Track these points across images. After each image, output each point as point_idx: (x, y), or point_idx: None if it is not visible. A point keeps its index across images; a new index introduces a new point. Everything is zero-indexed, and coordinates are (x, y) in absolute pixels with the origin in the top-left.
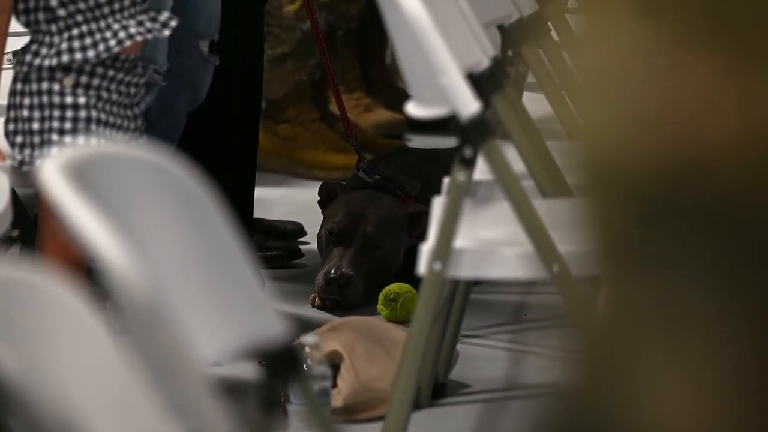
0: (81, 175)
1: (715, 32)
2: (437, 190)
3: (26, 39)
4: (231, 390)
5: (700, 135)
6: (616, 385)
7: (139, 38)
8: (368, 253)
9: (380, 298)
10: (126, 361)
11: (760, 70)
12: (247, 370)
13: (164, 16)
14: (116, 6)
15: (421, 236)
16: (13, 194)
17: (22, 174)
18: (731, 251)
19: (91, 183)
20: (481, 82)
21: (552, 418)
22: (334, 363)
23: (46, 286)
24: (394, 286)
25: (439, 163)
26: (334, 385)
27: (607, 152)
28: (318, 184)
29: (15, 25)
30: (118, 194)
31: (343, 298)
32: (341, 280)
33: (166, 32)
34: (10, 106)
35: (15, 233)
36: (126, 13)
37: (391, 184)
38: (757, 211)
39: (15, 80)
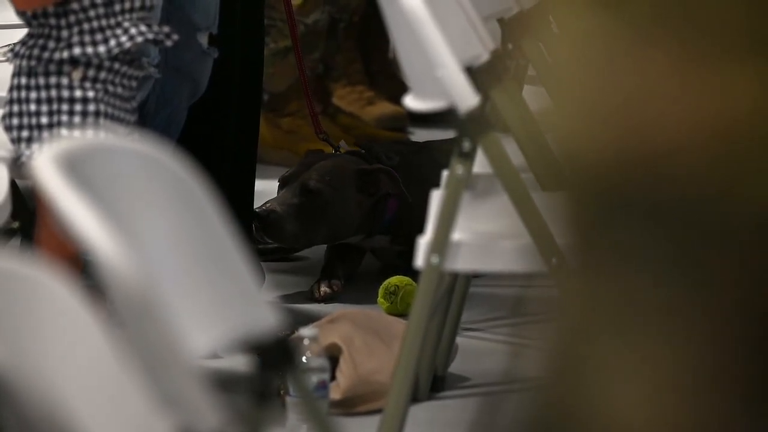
0: (74, 167)
1: (676, 26)
2: (418, 175)
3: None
4: (224, 382)
5: (659, 130)
6: (575, 380)
7: (150, 36)
8: (304, 196)
9: (380, 291)
10: (117, 354)
11: (720, 66)
12: (241, 363)
13: (166, 28)
14: (127, 5)
15: (374, 194)
16: (14, 186)
17: (24, 167)
18: (690, 246)
19: (84, 175)
20: (480, 76)
21: (518, 413)
22: (333, 356)
23: (37, 278)
24: (395, 279)
25: (428, 155)
26: (333, 377)
27: (568, 146)
28: None
29: (9, 18)
30: (111, 186)
31: (269, 236)
32: (263, 215)
33: (169, 43)
34: (13, 101)
35: (15, 225)
36: (135, 15)
37: (367, 153)
38: (716, 206)
39: (18, 74)
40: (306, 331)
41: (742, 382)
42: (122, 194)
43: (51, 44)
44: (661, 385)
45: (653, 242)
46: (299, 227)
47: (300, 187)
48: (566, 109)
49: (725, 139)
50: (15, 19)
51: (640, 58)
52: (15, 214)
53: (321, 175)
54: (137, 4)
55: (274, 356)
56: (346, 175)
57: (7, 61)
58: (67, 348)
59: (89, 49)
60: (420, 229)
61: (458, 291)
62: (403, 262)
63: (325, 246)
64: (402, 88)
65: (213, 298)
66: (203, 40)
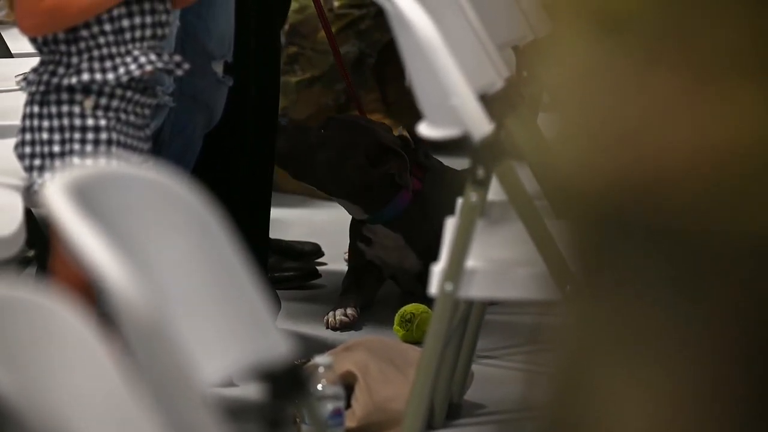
0: (85, 195)
1: (676, 52)
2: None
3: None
4: (236, 411)
5: (658, 154)
6: (579, 401)
7: (159, 65)
8: (313, 131)
9: (396, 318)
10: (128, 382)
11: (717, 89)
12: (254, 391)
13: (177, 57)
14: (137, 34)
15: (376, 165)
16: (29, 214)
17: (37, 195)
18: (688, 269)
19: (95, 203)
20: (494, 103)
21: None
22: (348, 383)
23: (49, 306)
24: (410, 307)
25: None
26: (348, 405)
27: (567, 170)
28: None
29: (26, 46)
30: (122, 215)
31: None
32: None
33: (180, 72)
34: (26, 129)
35: (31, 253)
36: (146, 44)
37: (412, 142)
38: (713, 229)
39: (31, 103)
40: (321, 359)
41: (741, 401)
42: (134, 223)
43: (61, 70)
44: (661, 405)
45: (653, 264)
46: (294, 154)
47: (315, 124)
48: (569, 134)
49: (727, 164)
50: (31, 48)
51: (642, 84)
52: (30, 243)
53: (340, 123)
54: (148, 33)
55: (286, 384)
56: (362, 137)
57: (20, 89)
58: (78, 377)
59: (98, 76)
60: (431, 235)
61: (474, 318)
62: (423, 287)
63: (344, 274)
64: (418, 117)
65: (225, 327)
66: (218, 68)
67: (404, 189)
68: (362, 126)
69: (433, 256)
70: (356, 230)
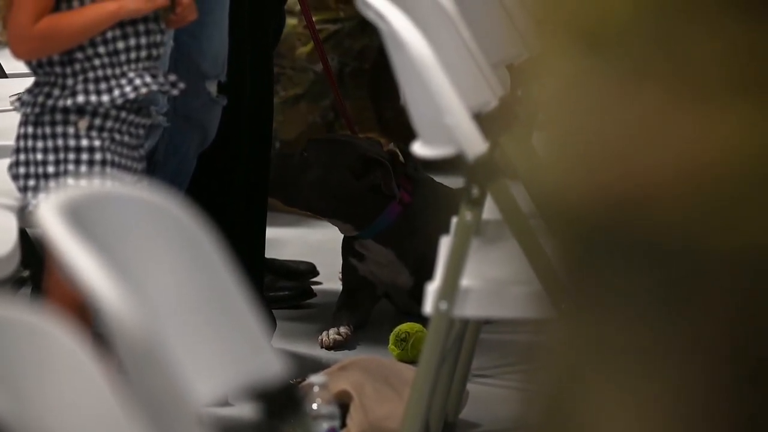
0: (78, 215)
1: (666, 67)
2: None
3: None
4: (231, 431)
5: (645, 170)
6: (567, 418)
7: (154, 87)
8: (295, 155)
9: (391, 338)
10: (123, 403)
11: (704, 106)
12: (248, 411)
13: (172, 77)
14: (132, 56)
15: (360, 177)
16: (24, 235)
17: (31, 216)
18: (676, 285)
19: (88, 224)
20: (489, 122)
21: None
22: (343, 403)
23: (43, 327)
24: (405, 326)
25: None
26: (343, 425)
27: (551, 187)
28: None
29: (21, 67)
30: (115, 235)
31: None
32: None
33: (175, 92)
34: (20, 150)
35: (25, 274)
36: (141, 65)
37: (400, 154)
38: (700, 245)
39: (25, 123)
40: (316, 378)
41: (731, 419)
42: (128, 243)
43: (56, 92)
44: (649, 422)
45: (642, 283)
46: (280, 181)
47: (304, 145)
48: (556, 150)
49: (715, 181)
50: (25, 69)
51: (624, 100)
52: (25, 263)
53: (320, 143)
54: (143, 54)
55: (281, 404)
56: (344, 152)
57: (14, 109)
58: (72, 397)
59: (93, 98)
60: (422, 248)
61: (469, 337)
62: (417, 304)
63: (338, 293)
64: (414, 136)
65: (219, 346)
66: (212, 88)
67: (393, 201)
68: (343, 142)
69: (426, 271)
70: (348, 246)
